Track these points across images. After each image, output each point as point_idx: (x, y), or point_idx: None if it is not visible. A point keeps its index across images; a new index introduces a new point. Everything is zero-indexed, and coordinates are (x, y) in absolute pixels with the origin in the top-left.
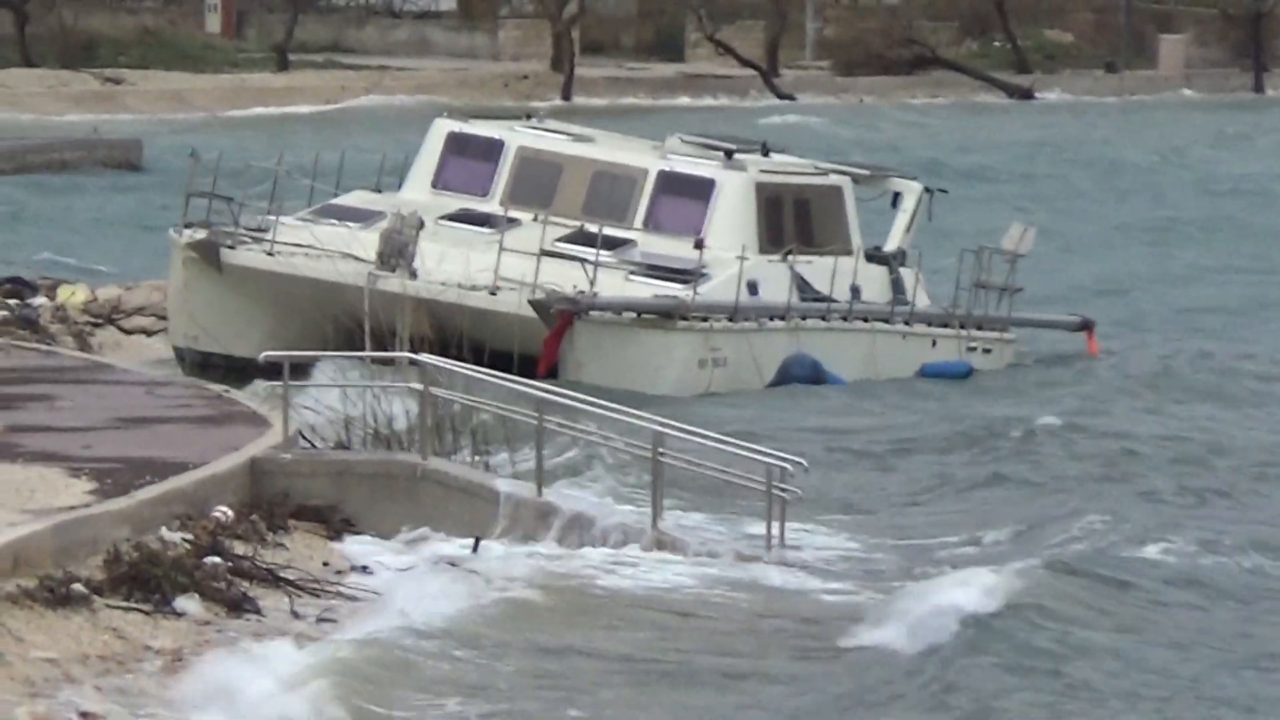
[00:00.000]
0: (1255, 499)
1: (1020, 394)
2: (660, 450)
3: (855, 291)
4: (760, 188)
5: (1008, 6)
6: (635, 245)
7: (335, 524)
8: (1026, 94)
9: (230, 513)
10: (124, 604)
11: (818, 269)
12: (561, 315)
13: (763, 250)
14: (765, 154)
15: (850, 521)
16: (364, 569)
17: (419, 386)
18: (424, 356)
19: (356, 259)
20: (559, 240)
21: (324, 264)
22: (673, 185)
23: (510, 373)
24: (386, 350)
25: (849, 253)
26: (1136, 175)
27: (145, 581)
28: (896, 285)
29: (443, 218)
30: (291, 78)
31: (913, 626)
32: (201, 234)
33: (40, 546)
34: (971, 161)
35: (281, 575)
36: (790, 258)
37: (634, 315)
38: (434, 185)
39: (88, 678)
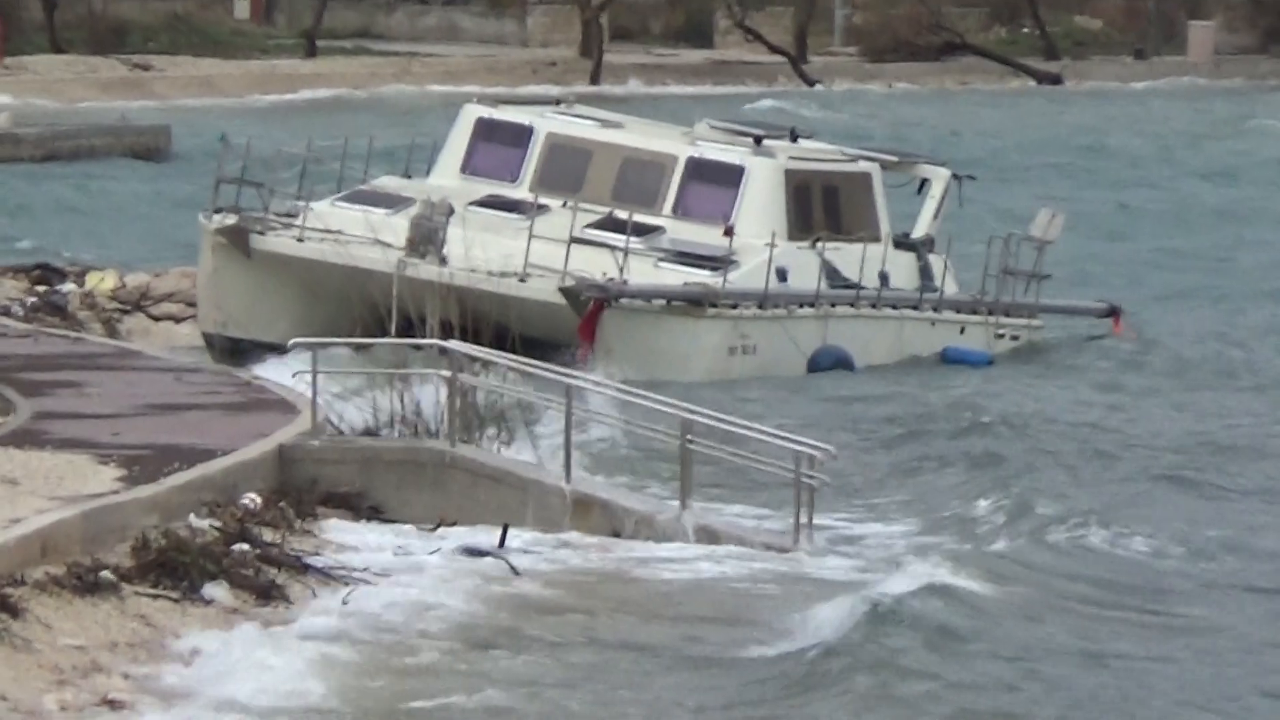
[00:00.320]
0: (1247, 497)
1: (1038, 382)
2: (688, 437)
3: (884, 278)
4: (789, 174)
5: None
6: (664, 232)
7: (363, 511)
8: (1055, 80)
9: (258, 500)
10: (152, 591)
11: (846, 256)
12: (594, 302)
13: (791, 237)
14: (794, 140)
15: (877, 508)
16: (393, 552)
17: (447, 373)
18: (453, 343)
19: (386, 245)
20: (588, 226)
21: (354, 250)
22: (702, 172)
23: (536, 359)
24: (414, 337)
25: (877, 239)
26: (1158, 163)
27: (173, 569)
28: (925, 272)
29: (471, 203)
30: (320, 64)
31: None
32: (231, 220)
33: (69, 534)
34: (999, 147)
35: (309, 562)
36: (819, 244)
37: (664, 302)
38: (463, 171)
39: (116, 665)
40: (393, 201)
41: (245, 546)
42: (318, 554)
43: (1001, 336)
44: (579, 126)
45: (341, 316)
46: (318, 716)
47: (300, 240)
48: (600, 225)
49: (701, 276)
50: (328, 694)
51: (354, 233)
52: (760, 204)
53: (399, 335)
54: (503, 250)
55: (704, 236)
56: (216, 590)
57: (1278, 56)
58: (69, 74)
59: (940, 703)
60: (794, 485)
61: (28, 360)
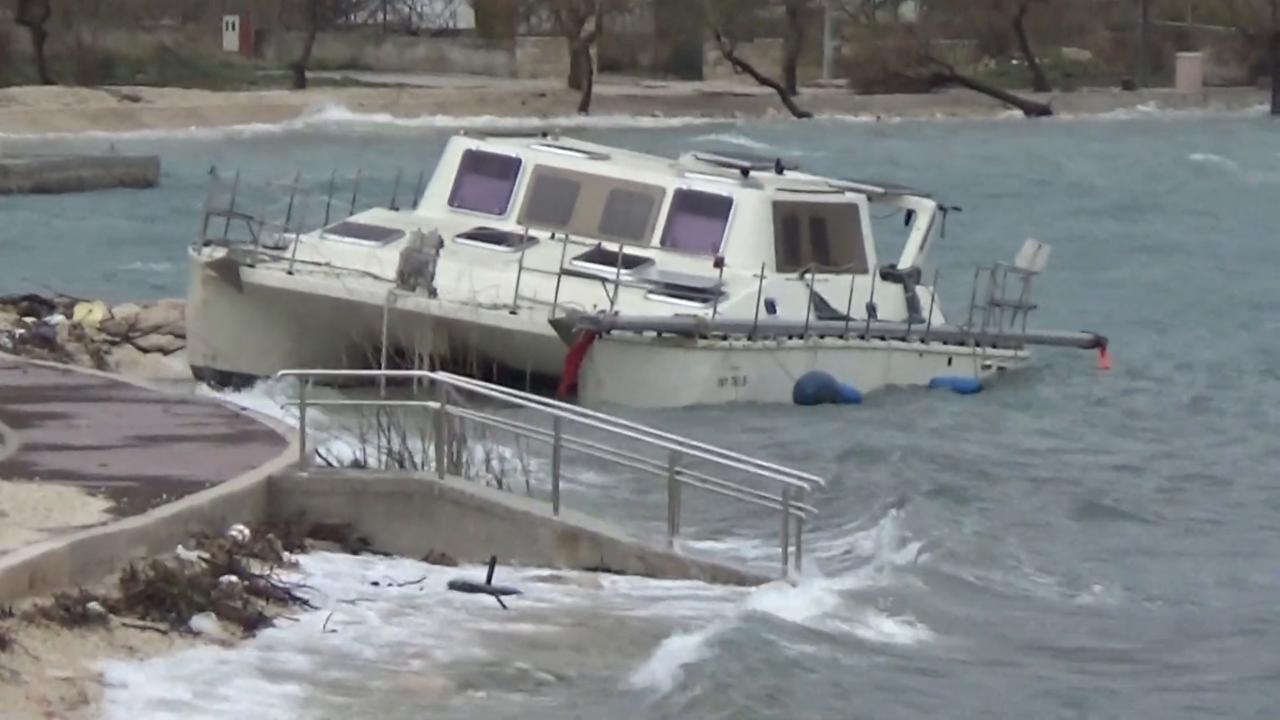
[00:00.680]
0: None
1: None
2: (677, 469)
3: (871, 310)
4: (777, 206)
5: (1026, 25)
6: (653, 264)
7: (352, 543)
8: (1044, 111)
9: (247, 531)
10: (140, 623)
11: (834, 287)
12: (584, 334)
13: (780, 268)
14: (779, 172)
15: (867, 536)
16: (374, 584)
17: (435, 405)
18: (441, 374)
19: (375, 277)
20: (576, 259)
21: (344, 283)
22: (690, 204)
23: (524, 391)
24: (404, 369)
25: (865, 271)
26: (1146, 194)
27: (161, 600)
28: (912, 303)
29: (460, 236)
30: (309, 95)
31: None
32: (221, 252)
33: (57, 565)
34: (986, 178)
35: (296, 595)
36: (807, 276)
37: (654, 334)
38: (450, 203)
39: (104, 697)
40: (381, 234)
41: (233, 578)
42: (305, 586)
43: (988, 367)
44: (567, 158)
45: (331, 349)
46: None
47: (290, 273)
48: (589, 257)
49: (691, 308)
50: None
51: (342, 266)
52: (749, 235)
53: (388, 368)
54: (492, 282)
55: (693, 268)
56: (204, 622)
57: (1265, 88)
58: (58, 105)
59: None
60: (782, 516)
61: (16, 392)
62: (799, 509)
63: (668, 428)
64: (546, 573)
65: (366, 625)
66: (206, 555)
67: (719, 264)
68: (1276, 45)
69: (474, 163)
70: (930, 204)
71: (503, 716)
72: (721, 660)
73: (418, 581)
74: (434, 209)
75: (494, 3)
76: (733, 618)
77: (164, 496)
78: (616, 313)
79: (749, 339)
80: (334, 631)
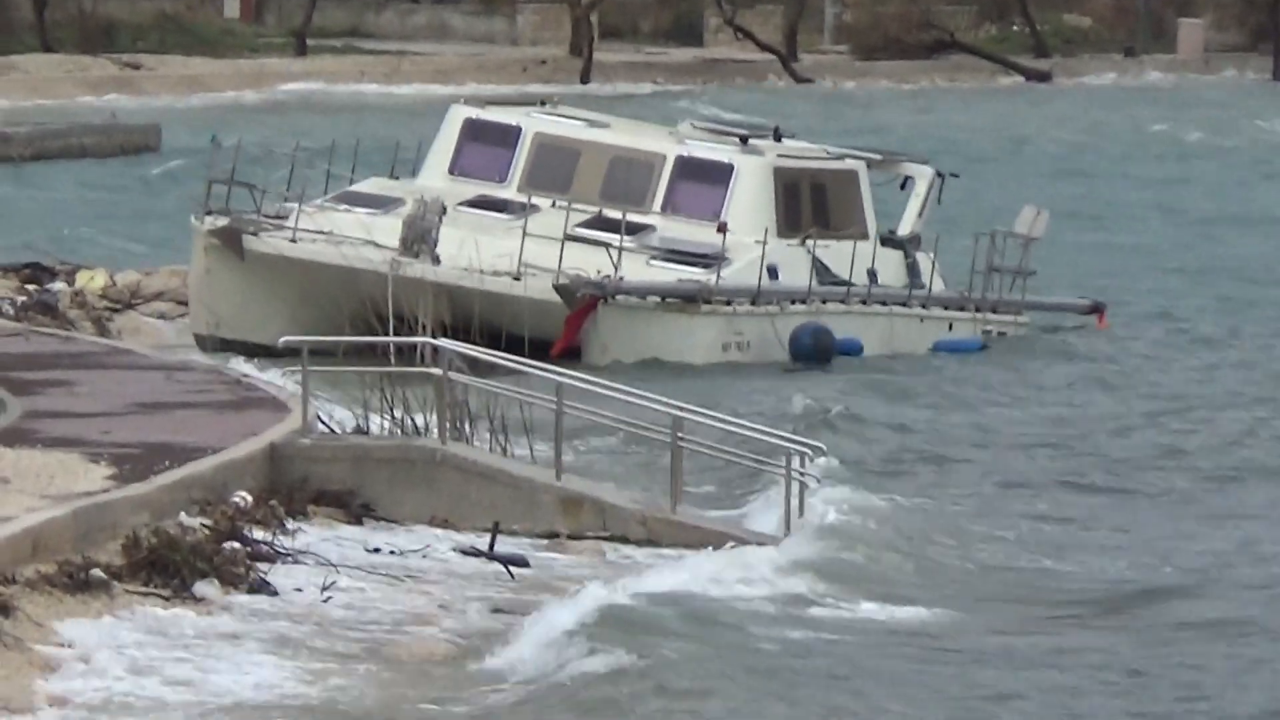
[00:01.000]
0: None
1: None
2: (679, 435)
3: (872, 275)
4: (778, 172)
5: None
6: (654, 230)
7: (354, 509)
8: (1044, 78)
9: (249, 498)
10: (143, 589)
11: (835, 253)
12: (586, 298)
13: (781, 234)
14: (778, 139)
15: (872, 503)
16: (376, 551)
17: (437, 371)
18: (444, 341)
19: (377, 245)
20: (578, 226)
21: (347, 250)
22: (691, 170)
23: (527, 357)
24: (406, 336)
25: (865, 237)
26: (1141, 161)
27: (164, 567)
28: (912, 269)
29: (460, 204)
30: (310, 63)
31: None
32: (223, 221)
33: (60, 532)
34: (987, 143)
35: (299, 560)
36: (809, 242)
37: (658, 299)
38: (451, 171)
39: (110, 663)
40: (381, 202)
41: (236, 545)
42: (307, 552)
43: (989, 333)
44: (566, 126)
45: (334, 317)
46: (306, 715)
47: (293, 241)
48: (590, 224)
49: (695, 274)
50: (311, 692)
51: (343, 234)
52: (750, 201)
53: (392, 334)
54: (495, 250)
55: (695, 234)
56: (207, 588)
57: (1266, 54)
58: (58, 73)
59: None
60: (784, 481)
61: (18, 359)
62: (801, 474)
63: (671, 393)
64: (547, 541)
65: (368, 592)
66: (209, 522)
67: (723, 229)
68: (1277, 11)
69: (474, 131)
70: (929, 170)
71: (502, 686)
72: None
73: (420, 550)
74: (434, 177)
75: None
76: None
77: (166, 463)
78: (621, 278)
79: (752, 304)
80: (333, 598)
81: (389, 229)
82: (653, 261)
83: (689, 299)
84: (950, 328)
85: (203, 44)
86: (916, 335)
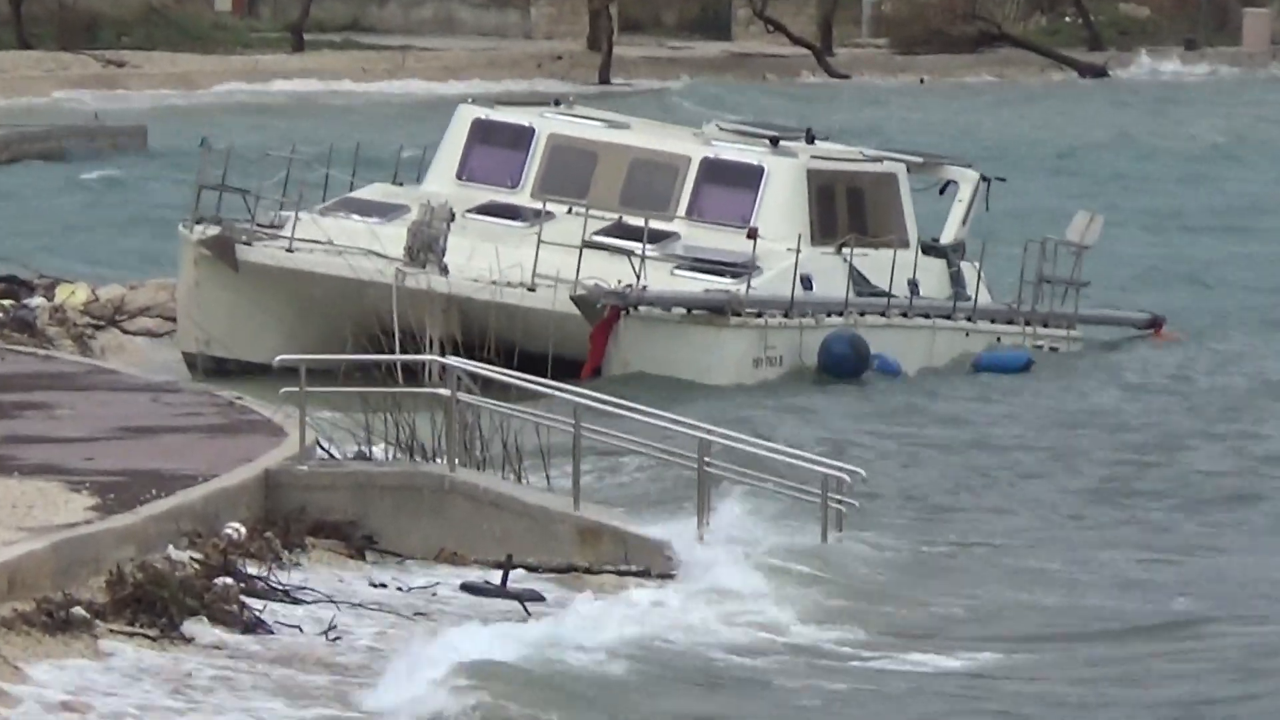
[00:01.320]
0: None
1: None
2: (706, 459)
3: (913, 286)
4: (812, 175)
5: None
6: (679, 238)
7: (356, 541)
8: (1100, 72)
9: (242, 530)
10: (128, 629)
11: (873, 262)
12: (609, 311)
13: (815, 242)
14: (810, 140)
15: (911, 529)
16: (380, 586)
17: (446, 392)
18: (452, 359)
19: (381, 255)
20: (596, 234)
21: (348, 261)
22: (718, 173)
23: (543, 376)
24: (413, 353)
25: (905, 245)
26: (1208, 159)
27: (151, 604)
28: (956, 280)
29: (470, 211)
30: (307, 59)
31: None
32: (214, 230)
33: (38, 567)
34: (1035, 144)
35: (296, 597)
36: (845, 250)
37: (684, 311)
38: (459, 177)
39: (88, 707)
40: (384, 210)
41: (228, 580)
42: (305, 588)
43: (1039, 348)
44: (583, 127)
45: (334, 334)
46: None
47: (290, 251)
48: (609, 232)
49: (723, 283)
50: None
51: (345, 243)
52: (782, 207)
53: (397, 351)
54: (507, 259)
55: (722, 242)
56: (197, 627)
57: None
58: (37, 71)
59: None
60: (821, 509)
61: None
62: (839, 501)
63: (697, 413)
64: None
65: (371, 631)
66: (199, 556)
67: (752, 236)
68: None
69: (483, 132)
70: (973, 174)
71: None
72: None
73: (429, 587)
74: (440, 183)
75: None
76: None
77: (153, 492)
78: (644, 288)
79: (784, 316)
80: (337, 639)
81: (393, 238)
82: (677, 271)
83: (716, 311)
84: (998, 342)
85: (192, 40)
86: (960, 351)
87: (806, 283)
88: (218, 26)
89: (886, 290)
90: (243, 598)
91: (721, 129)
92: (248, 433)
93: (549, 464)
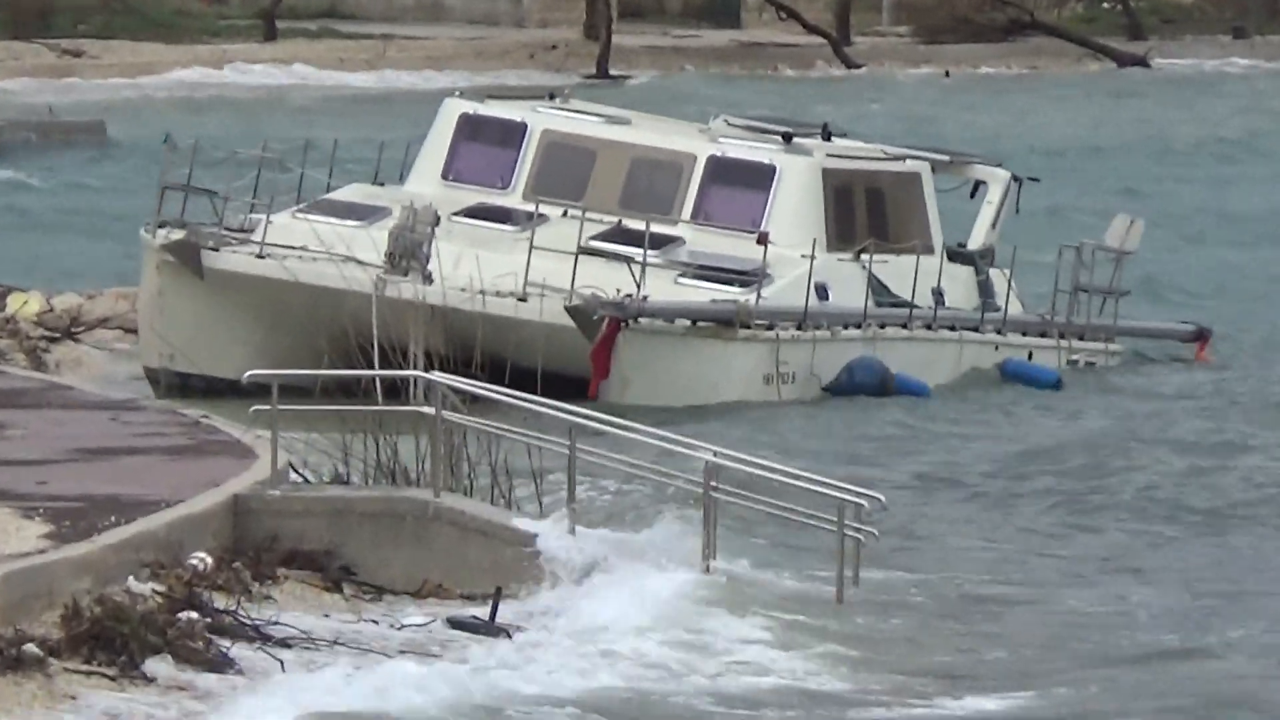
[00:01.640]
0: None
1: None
2: (714, 484)
3: (938, 295)
4: (828, 175)
5: None
6: (683, 243)
7: (332, 572)
8: (1141, 63)
9: (209, 560)
10: (85, 667)
11: (895, 269)
12: (608, 323)
13: (832, 248)
14: (826, 137)
15: (935, 562)
16: (361, 622)
17: (430, 410)
18: (437, 375)
19: (359, 262)
20: (594, 238)
21: (324, 268)
22: (726, 173)
23: (535, 393)
24: (394, 368)
25: (930, 250)
26: (1257, 160)
27: (110, 641)
28: (984, 288)
29: (456, 214)
30: (280, 49)
31: None
32: (179, 234)
33: None
34: (1071, 142)
35: (267, 634)
36: (864, 256)
37: (689, 323)
38: (445, 176)
39: None
40: (364, 212)
41: (193, 615)
42: (277, 623)
43: (1075, 362)
44: (580, 123)
45: (309, 347)
46: None
47: (260, 256)
48: (608, 236)
49: (731, 293)
50: None
51: (321, 248)
52: (795, 209)
53: (377, 367)
54: (496, 267)
55: (731, 247)
56: (160, 666)
57: None
58: None
59: None
60: (837, 538)
61: None
62: (856, 530)
63: (704, 434)
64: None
65: (348, 671)
66: (162, 588)
67: (763, 241)
68: None
69: (472, 128)
70: (1004, 174)
71: None
72: None
73: (424, 624)
74: (425, 183)
75: None
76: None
77: (112, 519)
78: (645, 297)
79: (798, 328)
80: (307, 677)
81: (373, 243)
82: (681, 279)
83: (724, 323)
84: (1030, 356)
85: (154, 27)
86: (989, 365)
87: (822, 292)
88: (183, 13)
89: (909, 300)
90: (209, 634)
91: (730, 125)
92: (215, 455)
93: (542, 488)
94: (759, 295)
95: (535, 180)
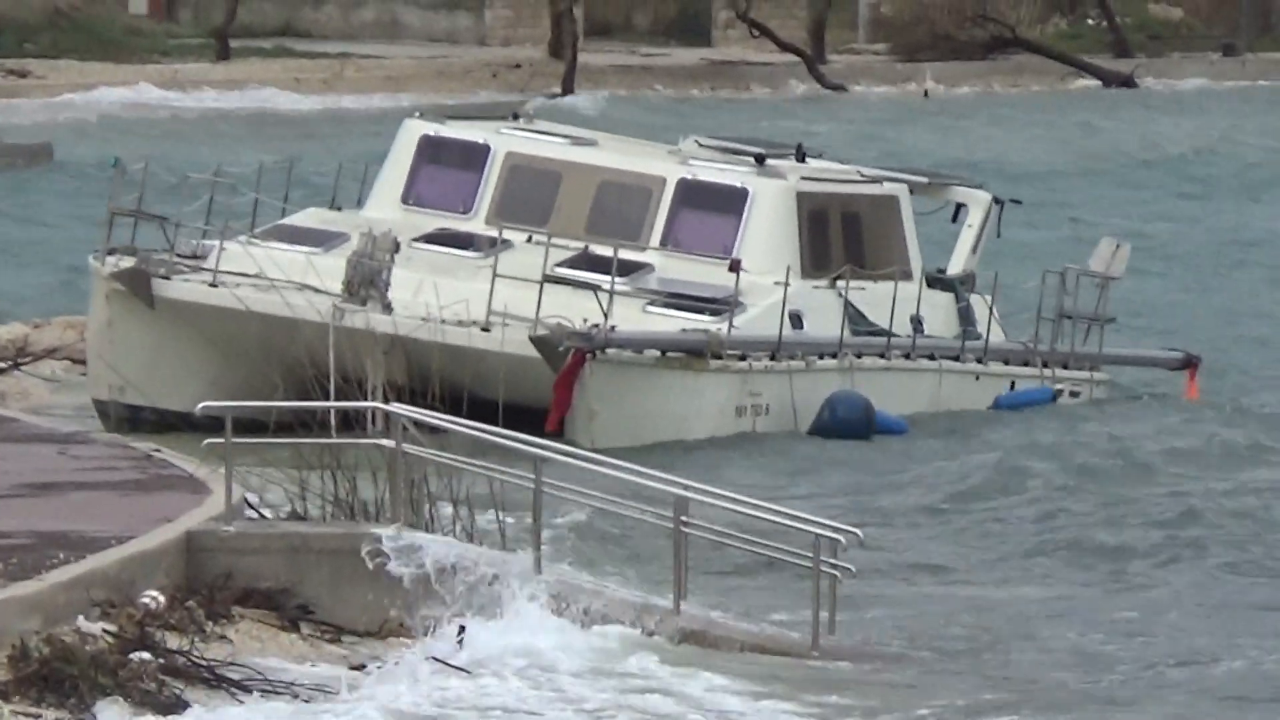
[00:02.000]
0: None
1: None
2: (684, 519)
3: (917, 324)
4: (802, 198)
5: None
6: (652, 270)
7: (289, 610)
8: (1126, 82)
9: (161, 598)
10: (34, 710)
11: (872, 296)
12: (573, 354)
13: (806, 274)
14: (801, 159)
15: (913, 598)
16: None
17: (390, 443)
18: (396, 407)
19: (316, 290)
20: (559, 265)
21: (279, 296)
22: (696, 197)
23: (497, 425)
24: (352, 399)
25: (908, 276)
26: (1245, 184)
27: (59, 682)
28: (965, 315)
29: (416, 239)
30: (233, 68)
31: None
32: (129, 261)
33: None
34: (1053, 163)
35: (221, 675)
36: (840, 283)
37: (658, 353)
38: (404, 200)
39: None
40: (320, 238)
41: (145, 655)
42: (232, 664)
43: (1059, 392)
44: (544, 145)
45: (264, 378)
46: None
47: (213, 285)
48: (574, 263)
49: (702, 322)
50: None
51: (277, 276)
52: (768, 234)
53: (335, 398)
54: (458, 294)
55: (701, 274)
56: (110, 708)
57: None
58: None
59: None
60: (813, 575)
61: None
62: (833, 566)
63: (674, 467)
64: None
65: (304, 714)
66: (113, 628)
67: (735, 267)
68: None
69: (432, 150)
70: (985, 197)
71: None
72: None
73: (393, 662)
74: (384, 208)
75: None
76: None
77: (61, 556)
78: (613, 327)
79: (772, 359)
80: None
81: (330, 270)
82: (651, 308)
83: (695, 353)
84: (1012, 385)
85: (103, 46)
86: (970, 395)
87: (796, 320)
88: (132, 32)
89: (887, 328)
90: (161, 675)
91: (700, 146)
92: (167, 490)
93: (504, 524)
94: (731, 324)
95: (499, 204)
